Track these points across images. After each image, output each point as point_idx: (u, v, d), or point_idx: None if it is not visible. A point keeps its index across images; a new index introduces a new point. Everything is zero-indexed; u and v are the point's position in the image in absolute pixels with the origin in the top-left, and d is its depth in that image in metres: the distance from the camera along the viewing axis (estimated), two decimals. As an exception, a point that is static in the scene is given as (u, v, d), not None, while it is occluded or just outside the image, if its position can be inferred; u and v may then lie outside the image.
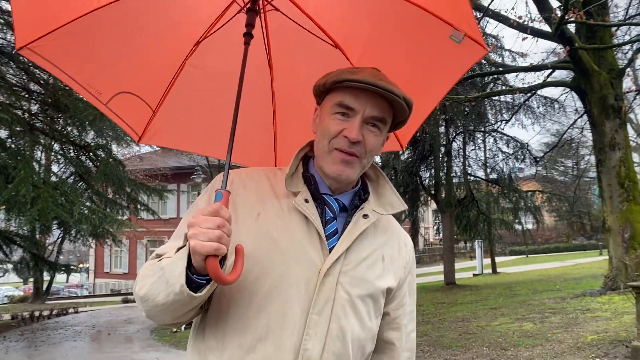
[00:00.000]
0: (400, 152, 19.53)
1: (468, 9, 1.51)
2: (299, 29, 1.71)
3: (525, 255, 37.73)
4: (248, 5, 1.58)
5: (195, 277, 1.13)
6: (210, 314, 1.29)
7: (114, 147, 17.26)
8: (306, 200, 1.31)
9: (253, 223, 1.30)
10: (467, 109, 16.78)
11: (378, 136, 1.33)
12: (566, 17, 8.85)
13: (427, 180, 20.13)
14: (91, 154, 15.91)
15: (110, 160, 15.57)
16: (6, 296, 33.55)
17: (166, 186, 22.15)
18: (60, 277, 36.46)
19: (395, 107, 1.32)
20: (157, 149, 27.25)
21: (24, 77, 13.74)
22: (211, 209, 1.12)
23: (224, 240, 1.09)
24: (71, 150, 15.57)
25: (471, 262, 32.38)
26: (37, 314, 17.24)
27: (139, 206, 16.09)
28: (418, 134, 16.68)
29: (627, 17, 12.42)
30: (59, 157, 15.96)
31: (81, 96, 1.74)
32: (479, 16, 12.38)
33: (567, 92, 16.02)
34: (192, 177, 23.70)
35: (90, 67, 1.69)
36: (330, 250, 1.28)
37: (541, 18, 10.84)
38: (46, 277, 27.23)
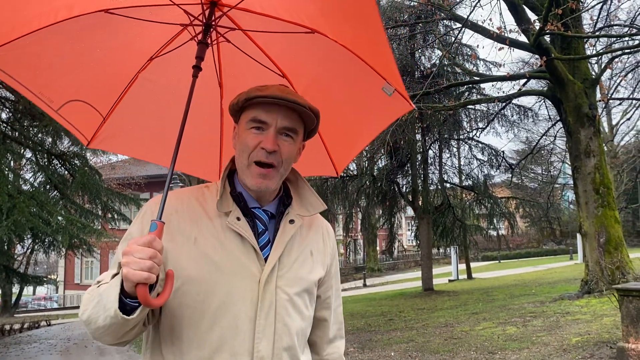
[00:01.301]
0: (376, 160, 19.70)
1: (396, 70, 1.71)
2: (249, 59, 1.85)
3: (497, 261, 38.38)
4: (199, 37, 1.67)
5: (129, 300, 1.21)
6: (164, 332, 1.40)
7: (89, 156, 17.00)
8: (238, 219, 1.42)
9: (192, 247, 1.39)
10: (443, 117, 17.04)
11: (292, 145, 1.47)
12: (545, 29, 9.12)
13: (404, 187, 20.32)
14: (66, 162, 15.60)
15: (86, 168, 15.31)
16: (-29, 310, 32.38)
17: (139, 195, 21.90)
18: (27, 290, 35.43)
19: (304, 117, 1.47)
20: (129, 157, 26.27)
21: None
22: (145, 240, 1.19)
23: (154, 270, 1.17)
24: (45, 159, 15.23)
25: (446, 268, 32.76)
26: (7, 327, 16.72)
27: (115, 215, 15.84)
28: (398, 142, 16.86)
29: (596, 29, 12.88)
30: (33, 165, 15.59)
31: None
32: (455, 27, 12.64)
33: (540, 101, 16.47)
34: (170, 185, 23.28)
35: (43, 77, 1.78)
36: (266, 259, 1.42)
37: (518, 29, 11.13)
38: (14, 289, 26.44)
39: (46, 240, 16.26)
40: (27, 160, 15.61)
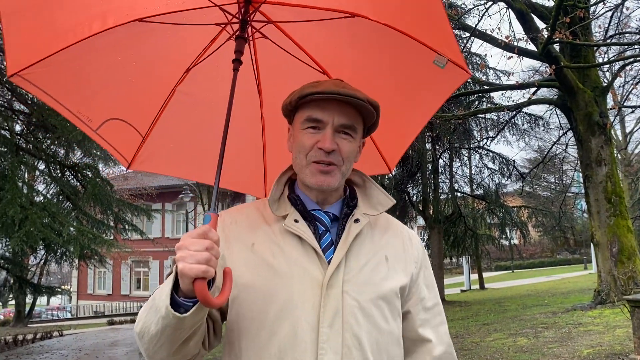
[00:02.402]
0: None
1: (450, 34, 1.54)
2: (287, 56, 1.75)
3: (510, 271, 38.02)
4: (237, 33, 1.61)
5: (183, 300, 1.12)
6: (225, 351, 1.32)
7: (100, 167, 17.19)
8: (296, 221, 1.33)
9: (249, 254, 1.31)
10: (453, 126, 17.00)
11: (352, 142, 1.36)
12: (553, 37, 9.09)
13: (415, 197, 20.25)
14: (78, 174, 15.76)
15: (98, 180, 15.45)
16: (-15, 320, 32.74)
17: (151, 206, 22.06)
18: (41, 300, 35.72)
19: (363, 112, 1.36)
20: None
21: (9, 97, 13.61)
22: (200, 231, 1.12)
23: (212, 263, 1.08)
24: (57, 170, 15.40)
25: (458, 278, 32.50)
26: (20, 337, 16.84)
27: (126, 226, 15.93)
28: (410, 152, 16.83)
29: (607, 37, 12.79)
30: (45, 177, 15.75)
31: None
32: (464, 36, 12.64)
33: (550, 110, 16.36)
34: (180, 195, 23.52)
35: (80, 94, 1.71)
36: (330, 262, 1.29)
37: (527, 38, 11.10)
38: (27, 299, 26.65)
39: (58, 251, 16.43)
40: (40, 172, 15.77)
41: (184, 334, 1.14)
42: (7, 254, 15.84)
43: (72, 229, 12.93)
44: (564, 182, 26.15)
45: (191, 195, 22.77)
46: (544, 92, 15.58)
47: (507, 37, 10.27)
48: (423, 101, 1.76)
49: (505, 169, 19.10)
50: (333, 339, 1.22)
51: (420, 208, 19.82)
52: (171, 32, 1.68)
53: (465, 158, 20.31)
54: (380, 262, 1.36)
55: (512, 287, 23.60)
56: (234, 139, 1.70)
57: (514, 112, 15.53)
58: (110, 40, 1.63)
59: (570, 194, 25.42)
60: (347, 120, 1.34)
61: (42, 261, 24.26)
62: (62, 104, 1.69)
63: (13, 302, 27.06)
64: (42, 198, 15.29)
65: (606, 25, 12.68)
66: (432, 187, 19.46)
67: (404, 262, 1.42)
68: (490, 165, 19.60)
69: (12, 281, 17.39)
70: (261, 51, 1.79)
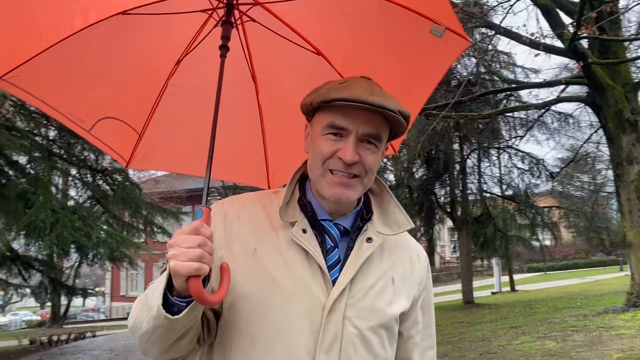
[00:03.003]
0: (414, 170, 19.48)
1: (446, 2, 1.49)
2: (280, 39, 1.67)
3: (543, 272, 37.17)
4: (223, 18, 1.55)
5: (177, 299, 1.07)
6: (214, 353, 1.25)
7: (130, 171, 17.57)
8: (304, 231, 1.23)
9: (250, 259, 1.22)
10: (480, 126, 16.75)
11: (375, 152, 1.24)
12: (579, 33, 8.86)
13: (442, 198, 20.01)
14: (108, 178, 16.11)
15: (127, 183, 15.76)
16: (24, 321, 33.73)
17: (181, 208, 22.39)
18: (77, 301, 36.61)
19: (391, 120, 1.23)
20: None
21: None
22: (191, 227, 1.06)
23: (206, 260, 1.03)
24: (88, 175, 15.77)
25: (489, 280, 31.97)
26: (55, 338, 17.28)
27: (155, 229, 16.22)
28: (433, 152, 16.66)
29: (638, 31, 12.40)
30: (77, 181, 16.15)
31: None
32: (490, 33, 12.44)
33: (581, 107, 15.95)
34: (208, 198, 23.73)
35: (70, 95, 1.65)
36: (334, 282, 1.20)
37: (553, 34, 10.85)
38: (63, 301, 27.36)
39: (89, 253, 16.83)
40: (72, 177, 16.17)
41: (175, 334, 1.10)
42: (39, 256, 16.26)
43: (101, 232, 13.21)
44: (597, 181, 25.52)
45: (218, 197, 23.01)
46: (576, 90, 15.21)
47: (531, 34, 10.06)
48: (423, 73, 1.69)
49: (535, 169, 18.70)
50: None
51: (448, 209, 19.57)
52: (157, 23, 1.62)
53: (494, 158, 19.96)
54: (386, 286, 1.27)
55: (543, 289, 23.08)
56: (232, 129, 1.68)
57: (543, 111, 15.19)
58: (95, 37, 1.56)
59: (604, 194, 24.75)
60: (374, 129, 1.22)
61: (76, 264, 24.91)
62: (52, 107, 1.63)
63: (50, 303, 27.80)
64: (73, 202, 15.69)
65: (636, 19, 12.31)
66: (460, 188, 19.21)
67: (410, 283, 1.33)
68: (520, 165, 19.21)
69: (46, 283, 17.86)
70: (252, 36, 1.72)
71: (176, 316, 1.05)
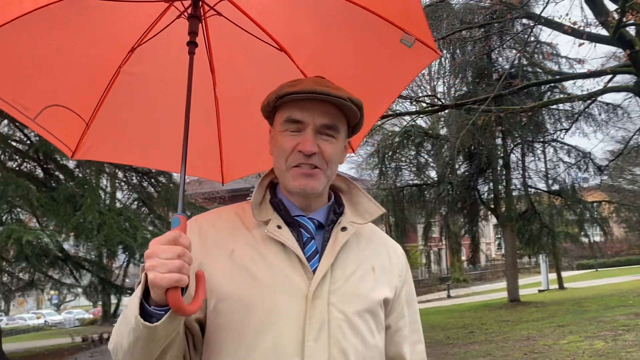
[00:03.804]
0: (456, 167, 19.15)
1: (420, 12, 1.49)
2: (242, 33, 1.64)
3: (594, 269, 35.91)
4: (189, 11, 1.49)
5: (154, 309, 1.05)
6: None
7: (174, 173, 18.02)
8: (279, 227, 1.26)
9: (227, 261, 1.24)
10: (524, 120, 16.30)
11: (334, 144, 1.29)
12: (624, 20, 8.50)
13: (485, 194, 19.60)
14: (153, 180, 16.52)
15: (171, 185, 16.13)
16: (77, 319, 35.04)
17: None
18: (126, 300, 37.70)
19: (345, 111, 1.28)
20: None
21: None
22: (169, 236, 1.04)
23: (185, 270, 1.02)
24: (134, 177, 16.23)
25: (536, 277, 31.13)
26: (105, 336, 17.86)
27: None
28: (474, 147, 16.34)
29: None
30: (123, 184, 16.64)
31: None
32: (531, 24, 12.09)
33: (630, 97, 15.29)
34: (248, 198, 23.99)
35: (14, 81, 1.56)
36: (315, 271, 1.23)
37: (597, 22, 10.45)
38: (113, 300, 28.25)
39: (136, 254, 17.33)
40: (118, 180, 16.67)
41: (157, 346, 1.08)
42: (89, 256, 16.85)
43: (146, 232, 13.57)
44: (650, 174, 24.41)
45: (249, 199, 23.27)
46: (626, 79, 14.58)
47: (574, 23, 9.72)
48: (389, 80, 1.70)
49: (582, 162, 18.05)
50: (319, 353, 1.17)
51: (492, 206, 19.15)
52: (113, 8, 1.56)
53: (539, 152, 19.41)
54: (367, 273, 1.30)
55: (594, 287, 22.29)
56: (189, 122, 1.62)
57: (589, 102, 14.65)
58: (44, 19, 1.47)
59: (658, 187, 23.66)
60: (329, 120, 1.27)
61: (124, 264, 25.69)
62: None
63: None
64: (120, 204, 16.19)
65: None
66: (504, 184, 18.77)
67: (389, 274, 1.37)
68: (566, 159, 18.58)
69: (96, 282, 18.47)
70: (213, 27, 1.68)
71: (155, 323, 1.03)
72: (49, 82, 1.61)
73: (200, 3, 1.52)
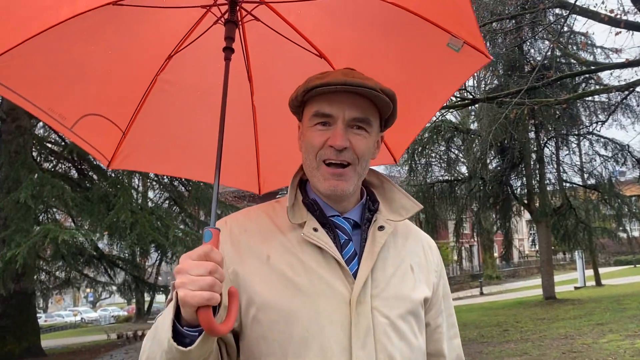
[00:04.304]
0: (488, 161, 18.82)
1: (470, 14, 1.39)
2: (280, 39, 1.60)
3: (632, 266, 34.91)
4: (226, 16, 1.46)
5: (187, 330, 1.01)
6: None
7: (204, 172, 18.27)
8: (315, 229, 1.20)
9: (264, 267, 1.19)
10: (557, 112, 15.89)
11: (366, 138, 1.23)
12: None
13: (518, 190, 19.22)
14: (183, 179, 16.72)
15: (201, 184, 16.29)
16: (113, 316, 35.82)
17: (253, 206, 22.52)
18: (159, 297, 38.37)
19: (377, 103, 1.23)
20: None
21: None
22: (200, 252, 0.99)
23: (217, 288, 0.97)
24: (165, 177, 16.44)
25: (572, 274, 30.41)
26: (139, 333, 18.17)
27: None
28: (506, 141, 16.01)
29: None
30: (154, 183, 16.88)
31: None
32: (565, 14, 11.75)
33: (670, 87, 14.74)
34: (278, 196, 23.99)
35: (51, 90, 1.55)
36: (354, 275, 1.18)
37: (635, 10, 10.08)
38: (147, 297, 28.77)
39: (168, 252, 17.57)
40: (150, 179, 16.92)
41: None
42: (122, 255, 17.15)
43: (178, 231, 13.72)
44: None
45: (287, 194, 23.34)
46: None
47: (610, 11, 9.39)
48: (435, 87, 1.61)
49: (620, 156, 17.51)
50: None
51: (525, 201, 18.77)
52: (149, 16, 1.53)
53: (574, 145, 18.92)
54: (406, 273, 1.26)
55: (633, 284, 21.61)
56: (225, 131, 1.54)
57: (626, 93, 14.17)
58: (82, 28, 1.46)
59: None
60: (360, 113, 1.21)
61: (157, 262, 26.12)
62: (32, 102, 1.52)
63: (135, 299, 29.33)
64: (152, 204, 16.44)
65: None
66: (538, 179, 18.36)
67: (427, 271, 1.33)
68: (602, 152, 18.06)
69: (130, 281, 18.81)
70: (251, 34, 1.64)
71: (189, 347, 0.99)
72: (85, 91, 1.60)
73: (238, 8, 1.49)
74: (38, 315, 17.53)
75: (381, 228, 1.25)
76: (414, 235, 1.37)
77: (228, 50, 1.41)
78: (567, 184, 18.89)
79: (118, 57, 1.59)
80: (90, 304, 46.21)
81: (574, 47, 16.35)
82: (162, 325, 1.03)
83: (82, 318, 37.11)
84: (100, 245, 15.85)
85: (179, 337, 1.00)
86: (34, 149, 13.48)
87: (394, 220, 1.28)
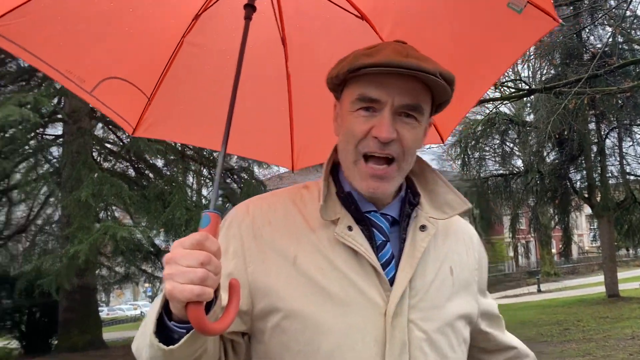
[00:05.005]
0: (545, 154, 18.20)
1: None
2: None
3: None
4: None
5: (174, 325, 0.90)
6: None
7: (255, 168, 18.49)
8: (349, 228, 1.07)
9: (291, 269, 1.06)
10: (620, 102, 15.15)
11: (416, 128, 1.08)
12: None
13: (578, 183, 18.51)
14: (235, 176, 17.03)
15: (253, 181, 16.55)
16: (170, 310, 36.94)
17: None
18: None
19: (432, 86, 1.06)
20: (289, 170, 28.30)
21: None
22: (193, 239, 0.87)
23: (209, 282, 0.85)
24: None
25: (636, 271, 29.00)
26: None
27: None
28: (565, 133, 15.42)
29: None
30: (208, 181, 17.24)
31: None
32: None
33: None
34: (315, 177, 24.62)
35: (69, 50, 1.42)
36: (391, 281, 1.06)
37: None
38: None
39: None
40: (203, 177, 17.30)
41: None
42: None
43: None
44: None
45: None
46: None
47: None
48: (492, 54, 1.43)
49: (690, 146, 16.55)
50: None
51: (585, 195, 18.04)
52: None
53: (638, 136, 18.04)
54: (446, 278, 1.13)
55: None
56: (255, 99, 1.49)
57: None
58: None
59: None
60: (412, 99, 1.06)
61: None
62: (47, 63, 1.40)
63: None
64: (206, 201, 16.81)
65: None
66: (599, 171, 17.62)
67: (469, 272, 1.21)
68: (670, 142, 17.14)
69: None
70: None
71: (171, 347, 0.88)
72: (107, 52, 1.47)
73: None
74: (100, 308, 18.26)
75: (423, 228, 1.12)
76: (454, 230, 1.23)
77: (249, 8, 1.28)
78: (631, 177, 18.06)
79: (141, 17, 1.46)
80: (149, 298, 47.80)
81: (638, 33, 15.54)
82: (149, 317, 0.93)
83: (141, 312, 38.41)
84: (157, 241, 16.34)
85: (167, 331, 0.91)
86: (94, 149, 14.02)
87: (437, 218, 1.14)
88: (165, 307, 0.91)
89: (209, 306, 0.88)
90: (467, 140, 17.65)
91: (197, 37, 1.53)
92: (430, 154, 23.44)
